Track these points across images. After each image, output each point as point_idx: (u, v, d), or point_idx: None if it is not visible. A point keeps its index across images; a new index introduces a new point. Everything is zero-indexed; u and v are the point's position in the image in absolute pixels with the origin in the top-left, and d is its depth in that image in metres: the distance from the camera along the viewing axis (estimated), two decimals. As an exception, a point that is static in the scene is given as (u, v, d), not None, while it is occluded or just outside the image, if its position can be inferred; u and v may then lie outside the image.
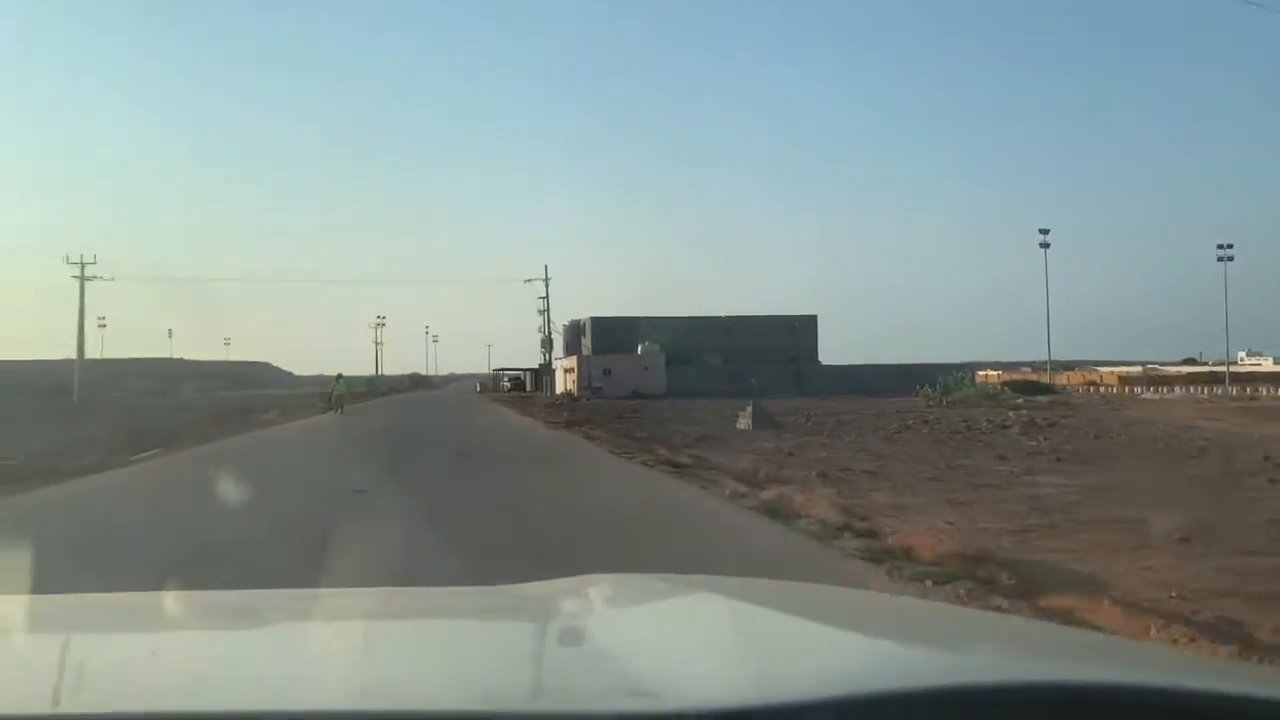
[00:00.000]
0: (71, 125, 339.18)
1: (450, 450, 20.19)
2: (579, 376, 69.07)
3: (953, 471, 16.31)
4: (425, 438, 25.68)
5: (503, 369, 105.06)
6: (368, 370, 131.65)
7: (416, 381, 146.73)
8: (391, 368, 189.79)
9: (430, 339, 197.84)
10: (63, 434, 24.95)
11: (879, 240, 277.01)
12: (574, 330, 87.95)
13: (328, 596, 2.50)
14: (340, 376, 42.65)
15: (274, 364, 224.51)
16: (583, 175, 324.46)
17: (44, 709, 1.21)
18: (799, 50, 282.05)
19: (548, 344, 69.41)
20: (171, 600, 2.29)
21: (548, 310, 69.30)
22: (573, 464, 17.82)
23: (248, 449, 21.90)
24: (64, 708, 1.23)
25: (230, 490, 11.78)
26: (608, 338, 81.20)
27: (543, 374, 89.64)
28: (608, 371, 69.39)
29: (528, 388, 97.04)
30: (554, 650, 1.65)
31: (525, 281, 68.83)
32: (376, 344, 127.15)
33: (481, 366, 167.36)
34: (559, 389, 71.35)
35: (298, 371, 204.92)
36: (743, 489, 12.97)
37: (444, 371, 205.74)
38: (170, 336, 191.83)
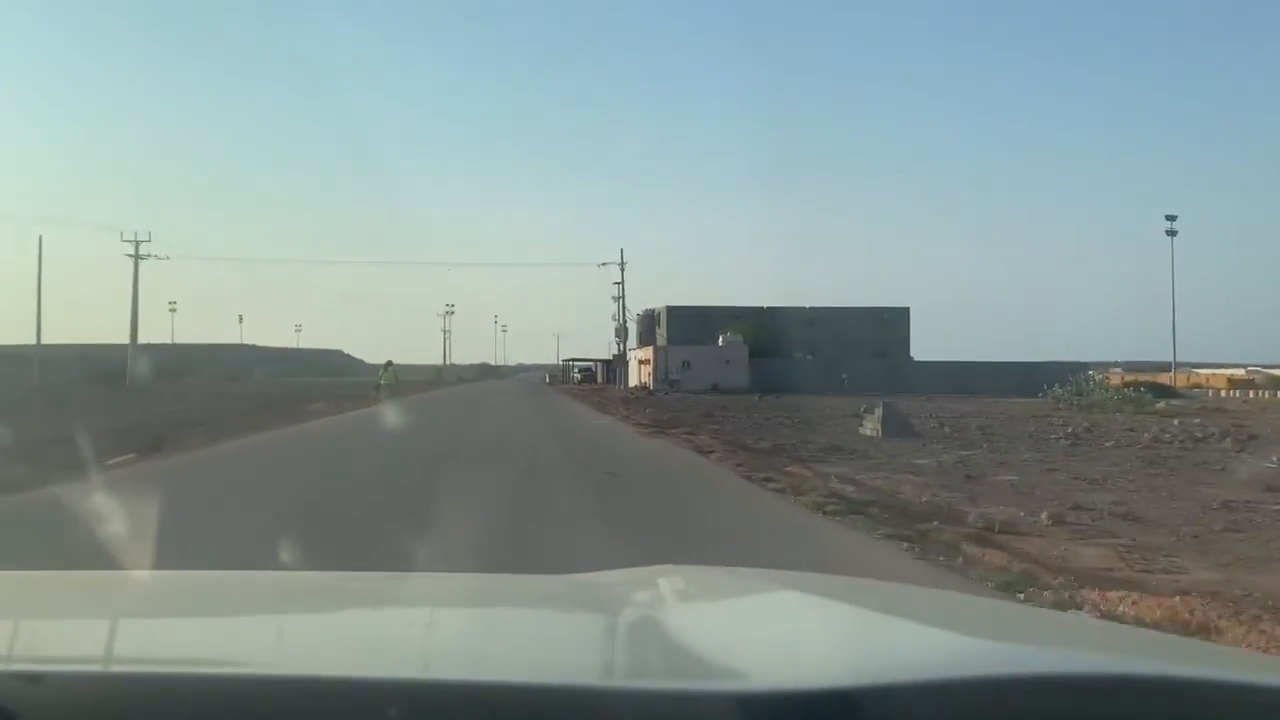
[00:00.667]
0: (136, 108, 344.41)
1: (518, 468, 14.35)
2: (655, 368, 64.34)
3: (1235, 513, 11.23)
4: (486, 445, 20.35)
5: (573, 359, 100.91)
6: (438, 359, 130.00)
7: (485, 371, 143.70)
8: (461, 357, 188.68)
9: (499, 329, 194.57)
10: (59, 426, 20.72)
11: (971, 232, 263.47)
12: (648, 320, 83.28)
13: (394, 579, 2.52)
14: (389, 364, 38.03)
15: (346, 351, 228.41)
16: (658, 158, 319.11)
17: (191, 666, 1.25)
18: (891, 38, 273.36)
19: (622, 333, 64.90)
20: (248, 578, 2.44)
21: (622, 297, 64.78)
22: (705, 501, 11.39)
23: (247, 459, 16.36)
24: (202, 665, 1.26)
25: (135, 540, 6.88)
26: (684, 328, 76.36)
27: (615, 365, 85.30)
28: (686, 364, 64.58)
29: (599, 379, 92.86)
30: (630, 630, 1.59)
31: (599, 265, 64.40)
32: (444, 332, 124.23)
33: (550, 357, 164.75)
34: (632, 381, 66.77)
35: (369, 359, 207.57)
36: (984, 553, 8.07)
37: (513, 362, 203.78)
38: (240, 322, 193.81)
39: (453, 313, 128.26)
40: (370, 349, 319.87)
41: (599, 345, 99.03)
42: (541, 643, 1.51)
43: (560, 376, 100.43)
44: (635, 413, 34.04)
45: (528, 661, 1.32)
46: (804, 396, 47.06)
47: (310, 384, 76.36)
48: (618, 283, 64.76)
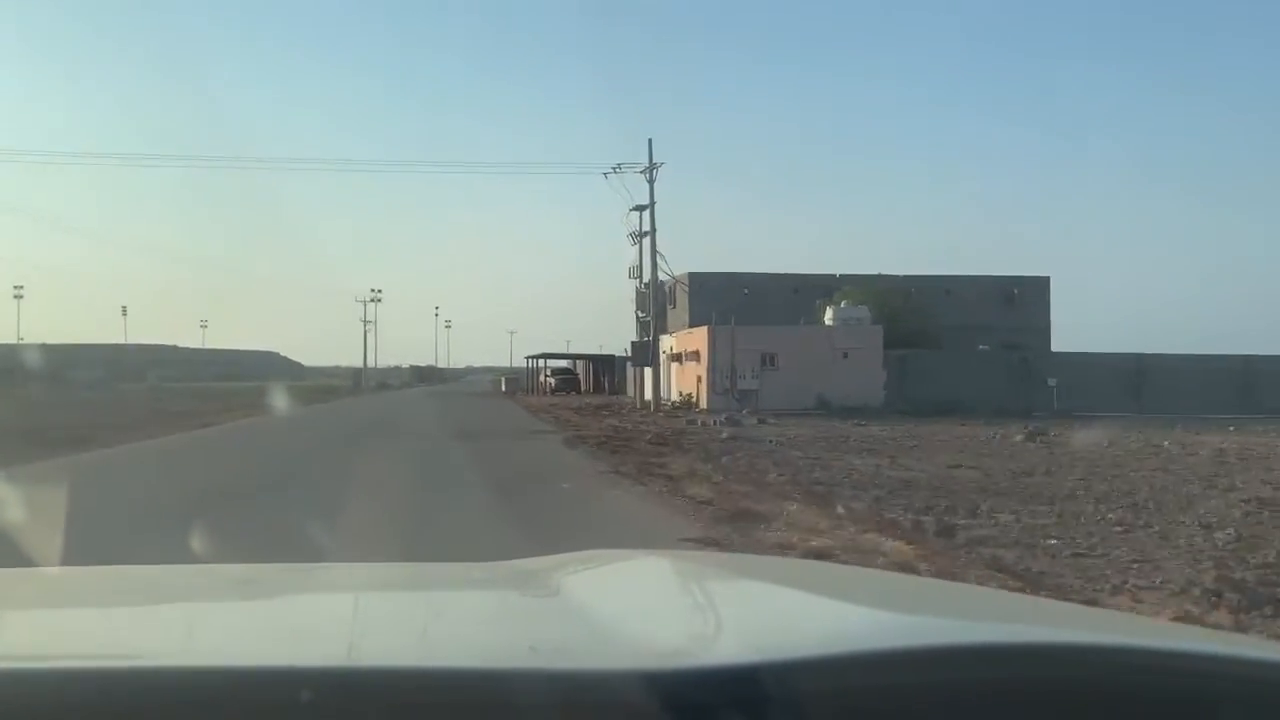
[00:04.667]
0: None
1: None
2: (712, 369, 34.50)
3: None
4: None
5: (540, 356, 70.02)
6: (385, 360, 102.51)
7: (421, 375, 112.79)
8: (397, 358, 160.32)
9: (442, 324, 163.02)
10: None
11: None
12: (658, 298, 54.11)
13: (326, 569, 2.61)
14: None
15: (283, 354, 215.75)
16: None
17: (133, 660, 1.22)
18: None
19: (652, 299, 35.09)
20: (182, 573, 2.44)
21: (651, 230, 34.83)
22: None
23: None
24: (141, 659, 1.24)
25: None
26: (714, 309, 47.26)
27: (615, 365, 55.68)
28: (769, 360, 34.94)
29: (583, 385, 62.76)
30: (552, 613, 1.64)
31: (614, 169, 34.69)
32: (365, 323, 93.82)
33: (503, 359, 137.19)
34: (666, 387, 36.90)
35: (307, 362, 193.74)
36: None
37: (460, 364, 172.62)
38: (124, 316, 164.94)
39: (379, 300, 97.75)
40: (310, 351, 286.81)
41: (556, 344, 68.06)
42: (455, 628, 1.56)
43: (520, 383, 69.82)
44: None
45: (441, 646, 1.39)
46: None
47: (202, 389, 65.38)
48: (641, 207, 34.96)
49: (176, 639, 1.52)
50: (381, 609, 1.76)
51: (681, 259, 65.15)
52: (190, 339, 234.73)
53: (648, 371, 36.16)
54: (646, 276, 36.01)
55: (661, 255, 34.92)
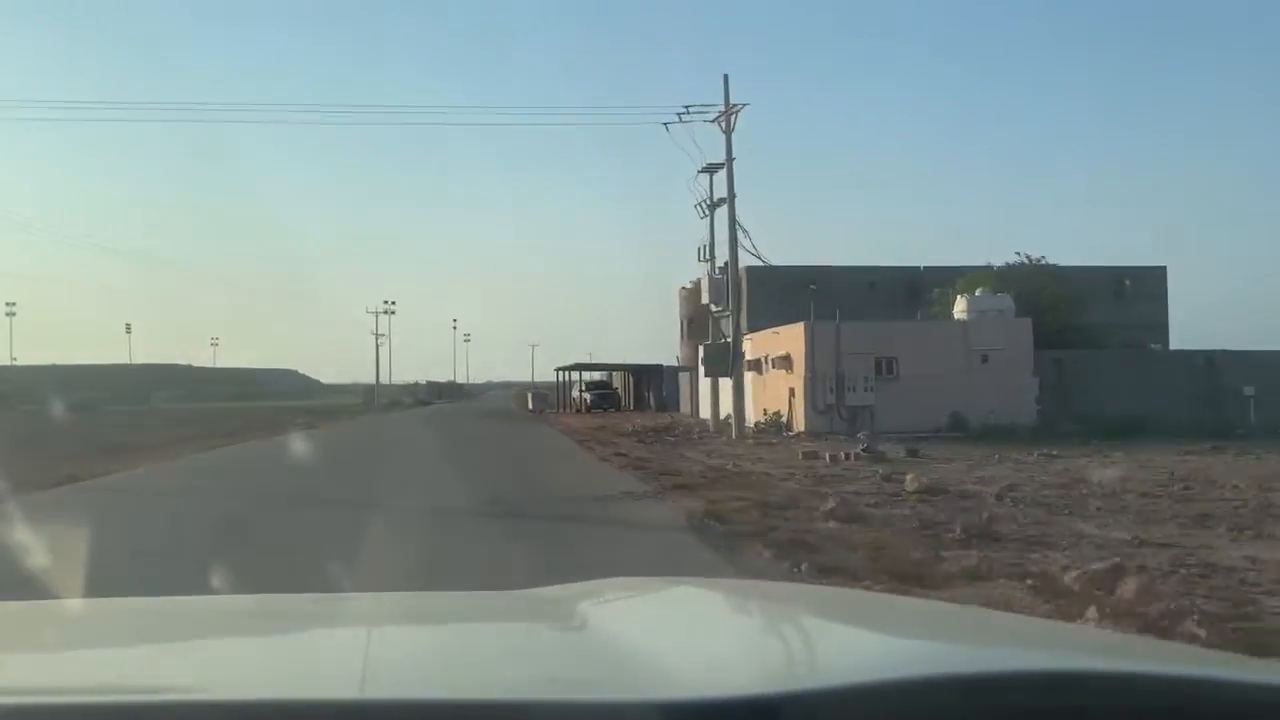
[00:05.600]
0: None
1: None
2: (810, 377, 26.50)
3: None
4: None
5: (573, 366, 61.75)
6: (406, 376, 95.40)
7: (439, 391, 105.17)
8: (417, 374, 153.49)
9: (461, 337, 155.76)
10: None
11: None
12: (693, 300, 46.40)
13: (342, 600, 2.55)
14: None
15: (301, 371, 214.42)
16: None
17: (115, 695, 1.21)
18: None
19: (727, 289, 26.98)
20: (194, 604, 2.33)
21: (730, 198, 26.77)
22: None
23: None
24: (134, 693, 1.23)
25: None
26: (773, 305, 39.50)
27: (663, 376, 48.14)
28: (887, 365, 26.97)
29: (624, 401, 54.86)
30: (572, 644, 1.63)
31: (679, 115, 26.74)
32: (376, 337, 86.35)
33: (524, 374, 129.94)
34: (742, 406, 28.90)
35: (325, 379, 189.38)
36: None
37: (481, 380, 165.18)
38: (129, 334, 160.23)
39: (392, 312, 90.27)
40: (330, 369, 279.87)
41: (580, 357, 60.01)
42: (475, 659, 1.54)
43: (549, 399, 61.52)
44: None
45: (460, 678, 1.37)
46: None
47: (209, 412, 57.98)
48: (713, 168, 27.11)
49: (190, 672, 1.46)
50: (398, 640, 1.72)
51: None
52: (204, 357, 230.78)
53: (723, 384, 28.12)
54: (721, 259, 27.98)
55: (743, 229, 27.02)
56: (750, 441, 24.10)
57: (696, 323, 51.39)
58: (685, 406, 42.80)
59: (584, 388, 55.68)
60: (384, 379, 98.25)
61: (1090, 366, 28.52)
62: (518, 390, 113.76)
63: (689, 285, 53.16)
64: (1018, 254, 43.73)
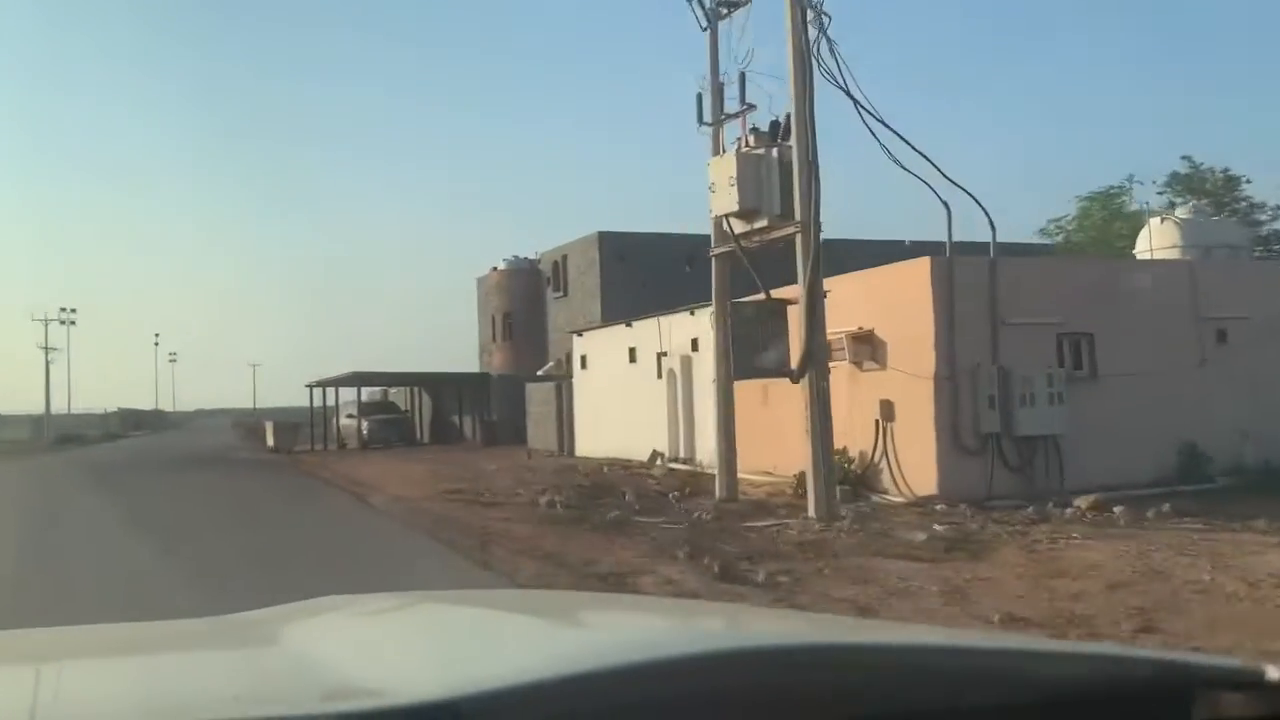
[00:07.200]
0: None
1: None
2: (947, 368, 13.39)
3: None
4: None
5: (334, 382, 42.71)
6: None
7: (136, 420, 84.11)
8: (106, 401, 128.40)
9: (166, 356, 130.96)
10: None
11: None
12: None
13: (27, 636, 2.21)
14: None
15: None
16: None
17: None
18: None
19: (796, 169, 12.64)
20: None
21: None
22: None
23: None
24: None
25: None
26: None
27: (491, 391, 34.68)
28: (1074, 351, 14.36)
29: (418, 435, 39.52)
30: (265, 663, 1.59)
31: None
32: (44, 350, 65.83)
33: (244, 399, 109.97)
34: (828, 421, 15.37)
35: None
36: None
37: (188, 406, 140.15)
38: None
39: (71, 322, 69.54)
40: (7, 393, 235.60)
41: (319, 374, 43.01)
42: (168, 684, 1.51)
43: (302, 430, 42.93)
44: None
45: (135, 709, 1.33)
46: None
47: None
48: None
49: None
50: (73, 676, 1.63)
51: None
52: None
53: (743, 394, 14.08)
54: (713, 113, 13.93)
55: (826, 35, 12.94)
56: (924, 538, 10.71)
57: (516, 317, 37.40)
58: (537, 437, 28.70)
59: (360, 412, 39.58)
60: (62, 406, 76.89)
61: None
62: (239, 418, 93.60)
63: (501, 266, 39.05)
64: (1184, 158, 35.39)
